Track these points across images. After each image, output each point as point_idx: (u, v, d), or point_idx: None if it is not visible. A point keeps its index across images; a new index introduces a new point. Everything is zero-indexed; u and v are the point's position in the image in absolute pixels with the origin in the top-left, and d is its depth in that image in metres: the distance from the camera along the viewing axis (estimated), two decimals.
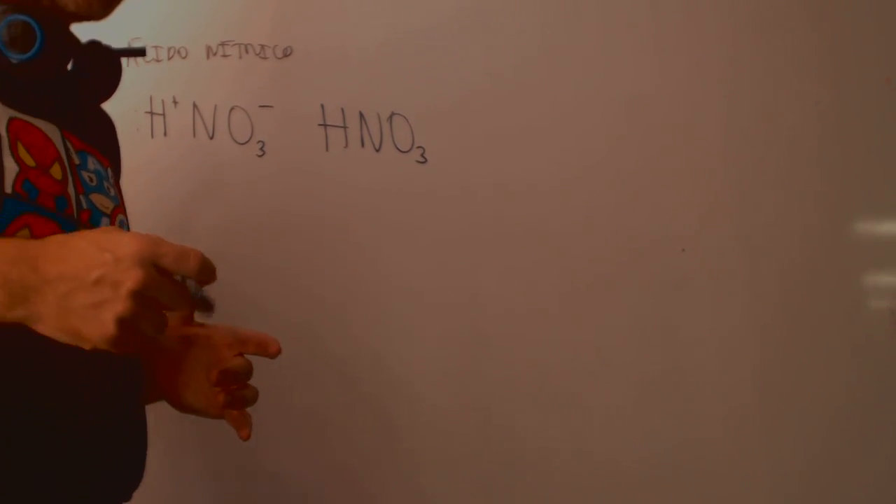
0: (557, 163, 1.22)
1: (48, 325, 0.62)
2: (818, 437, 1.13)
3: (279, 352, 0.84)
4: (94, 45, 0.87)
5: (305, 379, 1.26)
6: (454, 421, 1.24)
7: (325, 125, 1.29)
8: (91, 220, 0.80)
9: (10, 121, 0.74)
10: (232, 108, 1.30)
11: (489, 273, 1.24)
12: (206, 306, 0.75)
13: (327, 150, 1.30)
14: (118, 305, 0.61)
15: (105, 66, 0.87)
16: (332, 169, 1.29)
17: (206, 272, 0.65)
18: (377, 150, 1.28)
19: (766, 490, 1.14)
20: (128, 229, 0.88)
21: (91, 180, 0.83)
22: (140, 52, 0.93)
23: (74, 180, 0.79)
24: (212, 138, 1.34)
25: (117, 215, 0.86)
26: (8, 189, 0.71)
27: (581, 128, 1.22)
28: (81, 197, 0.80)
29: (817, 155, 1.16)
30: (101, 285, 0.61)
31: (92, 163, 0.85)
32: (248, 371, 0.86)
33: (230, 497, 1.30)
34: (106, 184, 0.86)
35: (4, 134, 0.72)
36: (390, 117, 1.27)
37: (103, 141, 0.92)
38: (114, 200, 0.86)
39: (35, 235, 0.72)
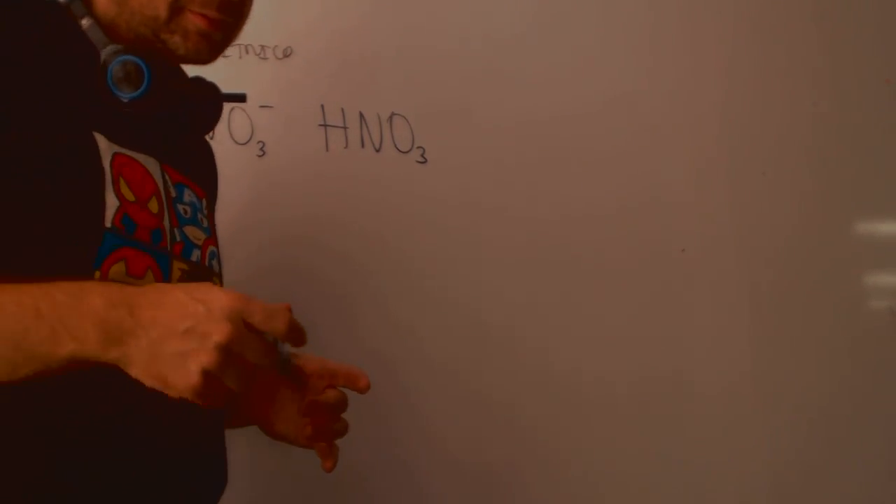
0: (557, 163, 1.22)
1: (138, 369, 0.63)
2: (818, 435, 1.13)
3: (368, 387, 0.84)
4: (200, 82, 0.90)
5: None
6: (455, 416, 1.24)
7: (325, 125, 1.29)
8: (183, 252, 0.82)
9: (114, 156, 0.76)
10: (232, 109, 1.30)
11: (489, 272, 1.24)
12: (289, 370, 0.78)
13: (327, 150, 1.29)
14: (203, 357, 0.62)
15: (208, 100, 0.90)
16: (332, 169, 1.28)
17: (295, 333, 0.66)
18: (377, 151, 1.28)
19: (765, 489, 1.14)
20: (218, 260, 0.91)
21: (185, 212, 0.85)
22: (241, 98, 0.96)
23: (170, 213, 0.82)
24: (212, 138, 1.33)
25: (208, 247, 0.88)
26: (108, 223, 0.73)
27: (581, 128, 1.22)
28: (176, 230, 0.82)
29: (817, 155, 1.16)
30: (190, 335, 0.62)
31: (188, 195, 0.86)
32: (342, 404, 0.86)
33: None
34: (199, 215, 0.88)
35: (108, 170, 0.75)
36: (390, 118, 1.27)
37: (201, 170, 0.95)
38: (205, 232, 0.88)
39: (130, 268, 0.75)
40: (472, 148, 1.25)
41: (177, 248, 0.81)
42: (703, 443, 1.16)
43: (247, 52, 1.32)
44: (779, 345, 1.15)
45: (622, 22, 1.22)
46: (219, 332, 0.62)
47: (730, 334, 1.16)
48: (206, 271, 0.87)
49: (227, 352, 0.63)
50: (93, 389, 0.69)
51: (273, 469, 1.29)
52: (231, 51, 1.33)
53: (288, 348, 0.73)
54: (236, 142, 1.32)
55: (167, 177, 0.83)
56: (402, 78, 1.28)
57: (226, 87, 1.34)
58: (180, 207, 0.84)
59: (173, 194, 0.84)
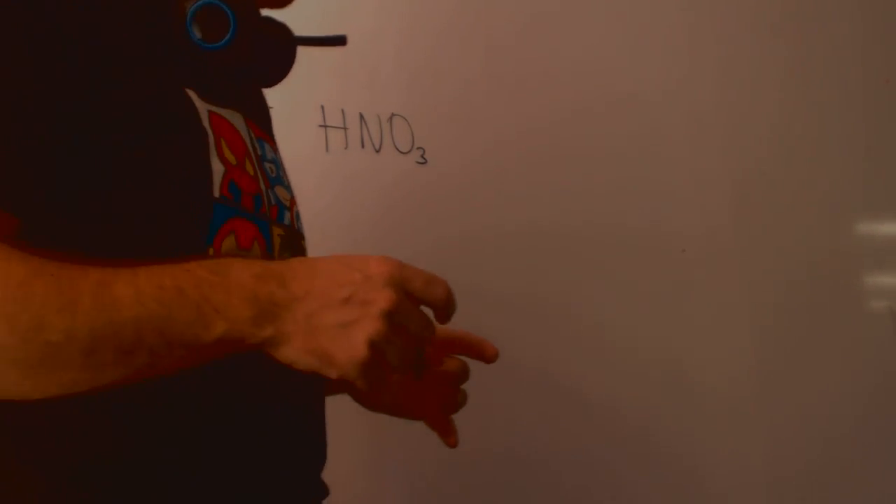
0: (557, 163, 1.22)
1: (294, 347, 0.57)
2: (818, 436, 1.13)
3: (496, 355, 0.79)
4: (280, 28, 0.81)
5: None
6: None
7: (325, 126, 1.30)
8: (278, 216, 0.76)
9: (210, 115, 0.68)
10: None
11: (489, 273, 1.24)
12: (421, 364, 0.70)
13: (327, 150, 1.30)
14: (369, 326, 0.56)
15: (282, 49, 0.81)
16: (333, 169, 1.29)
17: (450, 305, 0.62)
18: (377, 151, 1.28)
19: (765, 489, 1.14)
20: (300, 221, 0.83)
21: (272, 171, 0.78)
22: (340, 41, 0.85)
23: (261, 174, 0.74)
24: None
25: (294, 206, 0.81)
26: (216, 193, 0.66)
27: (581, 128, 1.22)
28: (269, 191, 0.75)
29: (817, 155, 1.16)
30: (350, 304, 0.57)
31: (269, 151, 0.79)
32: (464, 374, 0.81)
33: None
34: (282, 172, 0.81)
35: (210, 131, 0.67)
36: (390, 118, 1.27)
37: (268, 122, 0.86)
38: (289, 191, 0.81)
39: (239, 240, 0.68)
40: (472, 148, 1.25)
41: (273, 211, 0.74)
42: (703, 442, 1.16)
43: None
44: (779, 345, 1.15)
45: (622, 22, 1.22)
46: (382, 300, 0.57)
47: (730, 334, 1.16)
48: (297, 235, 0.80)
49: (392, 320, 0.57)
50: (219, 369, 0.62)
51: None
52: None
53: None
54: None
55: (252, 132, 0.75)
56: (402, 78, 1.28)
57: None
58: (267, 166, 0.76)
59: (259, 152, 0.76)
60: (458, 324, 1.23)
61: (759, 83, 1.18)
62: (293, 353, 0.57)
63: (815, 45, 1.16)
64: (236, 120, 0.72)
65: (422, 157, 1.26)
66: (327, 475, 0.79)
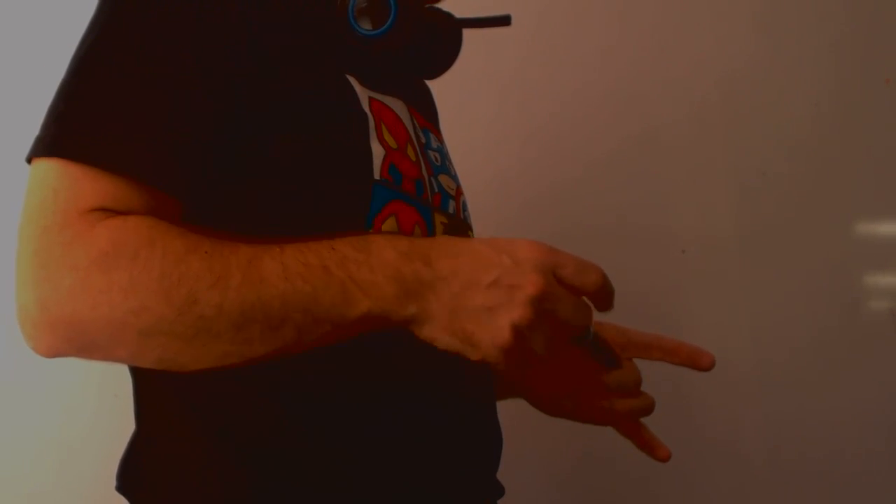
0: (557, 163, 1.22)
1: (437, 326, 0.57)
2: (818, 437, 1.13)
3: (713, 363, 0.76)
4: (444, 16, 0.79)
5: None
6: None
7: None
8: (441, 204, 0.75)
9: (370, 100, 0.68)
10: None
11: None
12: (603, 356, 0.67)
13: None
14: (515, 311, 0.55)
15: (448, 36, 0.80)
16: None
17: (606, 292, 0.61)
18: None
19: (765, 490, 1.14)
20: (466, 211, 0.82)
21: (436, 159, 0.77)
22: (505, 21, 0.81)
23: (424, 161, 0.73)
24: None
25: (460, 196, 0.80)
26: (376, 174, 0.65)
27: (581, 128, 1.22)
28: (432, 179, 0.74)
29: (817, 155, 1.16)
30: (496, 288, 0.56)
31: (434, 140, 0.79)
32: (634, 381, 0.78)
33: None
34: (447, 162, 0.80)
35: (370, 115, 0.67)
36: None
37: (434, 112, 0.86)
38: (455, 180, 0.80)
39: (401, 224, 0.67)
40: (473, 148, 1.25)
41: (436, 199, 0.73)
42: (703, 442, 1.16)
43: None
44: (779, 345, 1.15)
45: (623, 23, 1.22)
46: (530, 285, 0.56)
47: (730, 334, 1.16)
48: (463, 225, 0.79)
49: (539, 307, 0.56)
50: (373, 351, 0.63)
51: None
52: None
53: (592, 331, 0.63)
54: None
55: (415, 121, 0.75)
56: None
57: None
58: (431, 154, 0.76)
59: (423, 140, 0.75)
60: None
61: (759, 83, 1.18)
62: (435, 332, 0.57)
63: (816, 44, 1.16)
64: (398, 107, 0.72)
65: None
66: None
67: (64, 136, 0.57)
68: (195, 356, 0.55)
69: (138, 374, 0.66)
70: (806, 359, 1.14)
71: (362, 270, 0.56)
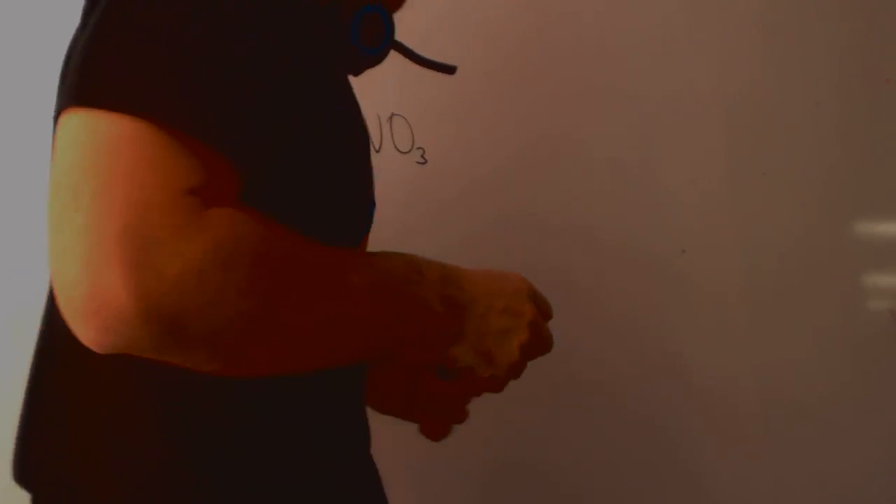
0: (557, 163, 1.22)
1: (466, 345, 0.62)
2: (818, 437, 1.13)
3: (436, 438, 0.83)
4: (402, 46, 0.83)
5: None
6: None
7: None
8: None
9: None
10: None
11: None
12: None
13: None
14: (522, 334, 0.63)
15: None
16: None
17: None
18: (377, 151, 1.28)
19: (765, 491, 1.14)
20: None
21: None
22: (450, 70, 0.87)
23: None
24: None
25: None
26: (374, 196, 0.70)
27: (581, 128, 1.22)
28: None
29: (817, 155, 1.16)
30: (507, 314, 0.62)
31: None
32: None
33: None
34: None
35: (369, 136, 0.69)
36: (390, 118, 1.27)
37: None
38: None
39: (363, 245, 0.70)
40: (472, 148, 1.25)
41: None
42: (702, 443, 1.16)
43: None
44: (779, 345, 1.15)
45: (622, 21, 1.22)
46: (529, 312, 0.63)
47: (729, 335, 1.16)
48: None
49: (534, 331, 0.63)
50: None
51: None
52: None
53: None
54: None
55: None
56: (402, 78, 1.28)
57: None
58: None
59: None
60: None
61: (759, 83, 1.18)
62: (463, 350, 0.62)
63: (816, 44, 1.16)
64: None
65: (422, 157, 1.26)
66: None
67: (163, 97, 0.49)
68: (286, 362, 0.55)
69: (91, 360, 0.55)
70: (805, 359, 1.14)
71: (420, 289, 0.59)
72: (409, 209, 1.26)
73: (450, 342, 0.61)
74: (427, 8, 1.28)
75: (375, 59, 0.72)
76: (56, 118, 0.51)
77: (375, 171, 1.28)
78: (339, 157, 0.64)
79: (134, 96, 0.48)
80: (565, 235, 1.22)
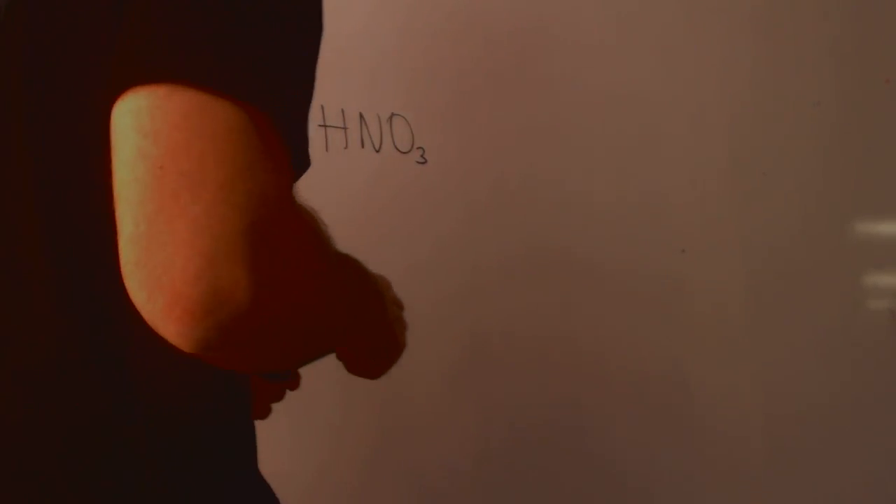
0: (557, 163, 1.22)
1: (388, 328, 0.69)
2: (818, 437, 1.12)
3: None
4: None
5: (304, 379, 1.26)
6: (450, 419, 1.24)
7: (324, 126, 1.29)
8: None
9: None
10: None
11: (489, 273, 1.24)
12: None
13: (327, 150, 1.30)
14: (404, 322, 0.70)
15: None
16: (332, 170, 1.28)
17: None
18: (377, 151, 1.28)
19: (765, 491, 1.14)
20: None
21: None
22: None
23: None
24: None
25: None
26: None
27: (581, 128, 1.22)
28: None
29: (817, 155, 1.16)
30: (394, 304, 0.69)
31: None
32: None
33: None
34: None
35: None
36: (390, 118, 1.27)
37: None
38: None
39: None
40: (472, 148, 1.25)
41: None
42: (702, 443, 1.16)
43: None
44: (779, 345, 1.15)
45: (622, 21, 1.22)
46: (401, 303, 0.71)
47: (729, 335, 1.16)
48: None
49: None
50: None
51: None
52: None
53: None
54: None
55: None
56: (402, 78, 1.28)
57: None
58: None
59: None
60: (458, 324, 1.23)
61: (759, 83, 1.17)
62: (381, 336, 0.71)
63: (815, 44, 1.16)
64: None
65: (422, 157, 1.26)
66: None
67: (269, 86, 0.47)
68: (305, 351, 0.60)
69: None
70: (805, 358, 1.14)
71: (376, 282, 0.70)
72: (409, 209, 1.27)
73: (383, 328, 0.68)
74: (427, 8, 1.28)
75: None
76: (123, 86, 0.46)
77: (376, 172, 1.29)
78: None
79: (247, 82, 0.46)
80: (565, 235, 1.22)
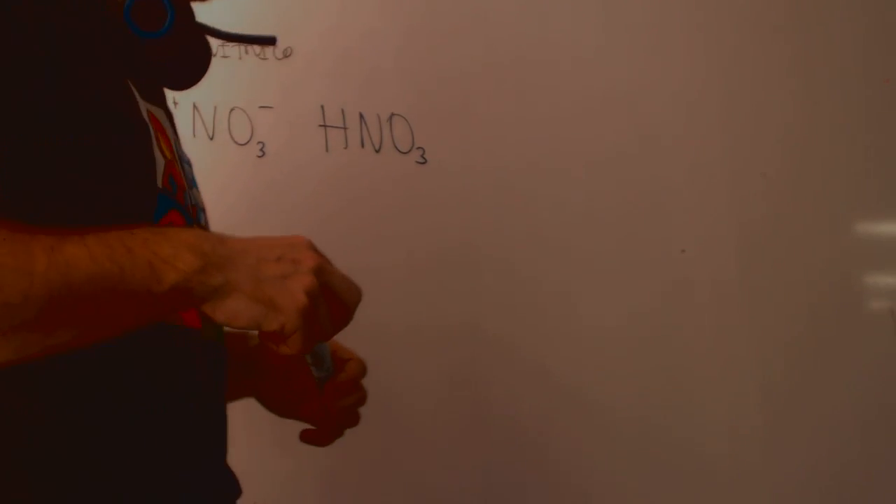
0: (557, 163, 1.22)
1: (243, 295, 0.60)
2: (819, 437, 1.12)
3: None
4: (205, 26, 0.79)
5: None
6: (451, 419, 1.24)
7: (325, 126, 1.30)
8: (197, 216, 0.77)
9: (147, 109, 0.69)
10: (232, 109, 1.30)
11: (489, 274, 1.24)
12: (321, 363, 0.77)
13: (327, 150, 1.30)
14: (304, 279, 0.61)
15: (200, 50, 0.80)
16: (332, 169, 1.29)
17: (352, 313, 0.66)
18: (377, 151, 1.28)
19: (767, 492, 1.14)
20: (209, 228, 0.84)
21: (189, 173, 0.79)
22: (270, 42, 0.84)
23: (182, 173, 0.76)
24: (212, 139, 1.34)
25: (205, 214, 0.83)
26: (159, 183, 0.68)
27: (581, 128, 1.22)
28: (188, 192, 0.76)
29: (817, 155, 1.16)
30: (283, 262, 0.62)
31: (184, 153, 0.80)
32: (354, 379, 0.89)
33: None
34: (194, 176, 0.82)
35: (149, 123, 0.68)
36: (390, 118, 1.27)
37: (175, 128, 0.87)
38: (200, 195, 0.82)
39: None
40: (472, 148, 1.25)
41: (192, 210, 0.76)
42: (702, 443, 1.16)
43: (246, 52, 1.32)
44: (779, 345, 1.15)
45: (622, 22, 1.22)
46: (309, 259, 0.62)
47: (730, 335, 1.16)
48: None
49: (320, 276, 0.62)
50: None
51: (268, 469, 1.29)
52: (231, 51, 1.34)
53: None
54: (236, 142, 1.32)
55: (175, 131, 0.77)
56: (402, 78, 1.28)
57: (226, 88, 1.34)
58: (185, 167, 0.78)
59: (179, 152, 0.77)
60: (458, 325, 1.24)
61: (759, 83, 1.17)
62: (241, 302, 0.60)
63: (816, 44, 1.16)
64: (162, 118, 0.74)
65: (422, 157, 1.26)
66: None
67: None
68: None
69: None
70: (806, 359, 1.14)
71: (164, 247, 0.58)
72: (409, 209, 1.27)
73: (216, 294, 0.59)
74: (428, 8, 1.28)
75: (163, 44, 0.69)
76: None
77: (376, 172, 1.29)
78: (103, 152, 0.64)
79: None
80: (565, 235, 1.22)
